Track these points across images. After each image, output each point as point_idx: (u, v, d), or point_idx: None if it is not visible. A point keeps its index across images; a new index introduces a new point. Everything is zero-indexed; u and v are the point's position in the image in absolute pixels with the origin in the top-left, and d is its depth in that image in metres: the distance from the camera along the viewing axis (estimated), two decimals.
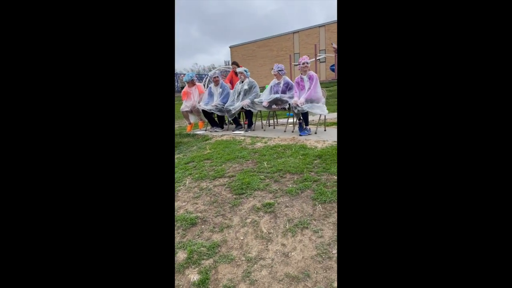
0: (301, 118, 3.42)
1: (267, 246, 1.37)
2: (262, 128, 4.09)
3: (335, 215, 1.51)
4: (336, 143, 2.75)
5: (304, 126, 3.40)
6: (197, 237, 1.52)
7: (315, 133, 3.34)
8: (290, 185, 1.90)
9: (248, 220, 1.59)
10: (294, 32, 16.99)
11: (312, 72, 3.47)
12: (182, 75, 16.29)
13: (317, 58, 12.15)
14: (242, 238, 1.46)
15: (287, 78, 3.77)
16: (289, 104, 3.53)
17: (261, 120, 4.52)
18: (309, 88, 3.38)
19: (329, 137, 3.05)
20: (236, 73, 4.54)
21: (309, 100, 3.33)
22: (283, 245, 1.36)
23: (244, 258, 1.31)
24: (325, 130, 3.50)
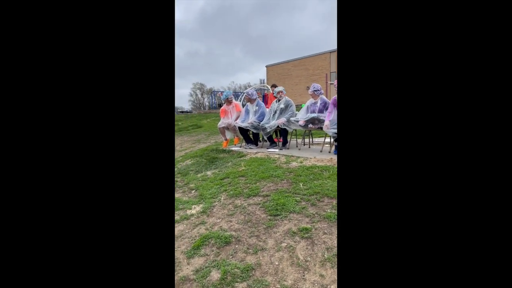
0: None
1: (303, 275, 1.29)
2: (297, 147, 4.03)
3: None
4: None
5: None
6: (230, 257, 1.49)
7: None
8: (329, 210, 1.80)
9: (284, 244, 1.52)
10: (330, 52, 16.96)
11: None
12: (219, 92, 17.08)
13: None
14: (277, 263, 1.40)
15: (325, 98, 3.71)
16: None
17: (296, 138, 4.46)
18: None
19: None
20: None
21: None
22: (321, 276, 1.27)
23: (279, 286, 1.25)
24: None
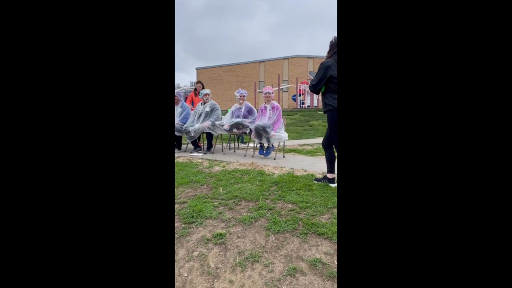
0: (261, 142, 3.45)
1: (212, 284, 1.23)
2: (222, 151, 4.01)
3: (287, 246, 1.46)
4: (292, 170, 2.80)
5: (266, 145, 3.42)
6: None
7: (274, 159, 3.37)
8: (244, 213, 1.82)
9: (195, 254, 1.44)
10: (260, 62, 17.89)
11: (275, 102, 3.60)
12: None
13: (280, 87, 12.89)
14: (186, 274, 1.30)
15: (249, 104, 3.83)
16: (249, 129, 3.55)
17: (222, 143, 4.44)
18: (274, 119, 3.45)
19: (287, 164, 3.09)
20: (195, 93, 4.49)
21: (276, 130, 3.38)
22: (231, 282, 1.24)
23: None
24: (283, 157, 3.56)
